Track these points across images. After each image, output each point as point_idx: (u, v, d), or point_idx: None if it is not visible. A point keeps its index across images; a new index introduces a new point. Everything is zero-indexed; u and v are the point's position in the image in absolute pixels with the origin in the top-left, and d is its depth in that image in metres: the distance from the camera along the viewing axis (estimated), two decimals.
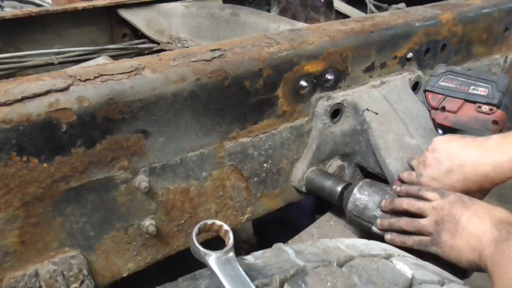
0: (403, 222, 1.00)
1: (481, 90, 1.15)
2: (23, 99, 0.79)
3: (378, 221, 1.06)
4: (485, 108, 1.12)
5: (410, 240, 0.99)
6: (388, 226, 1.03)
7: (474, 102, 1.15)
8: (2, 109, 0.76)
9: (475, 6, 1.59)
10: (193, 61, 0.99)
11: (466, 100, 1.16)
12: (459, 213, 0.91)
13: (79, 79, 0.86)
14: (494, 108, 1.12)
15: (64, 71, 0.90)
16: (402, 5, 2.39)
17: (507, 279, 0.74)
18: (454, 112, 1.17)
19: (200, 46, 1.12)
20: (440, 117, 1.19)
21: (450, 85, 1.20)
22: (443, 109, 1.19)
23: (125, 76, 0.90)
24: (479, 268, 0.86)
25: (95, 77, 0.87)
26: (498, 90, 1.12)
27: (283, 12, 2.05)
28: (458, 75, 1.20)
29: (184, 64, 0.98)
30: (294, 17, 1.99)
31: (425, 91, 1.24)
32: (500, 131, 1.10)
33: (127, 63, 0.95)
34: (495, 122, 1.11)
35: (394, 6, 2.43)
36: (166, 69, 0.95)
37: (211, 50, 1.05)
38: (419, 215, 0.99)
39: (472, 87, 1.16)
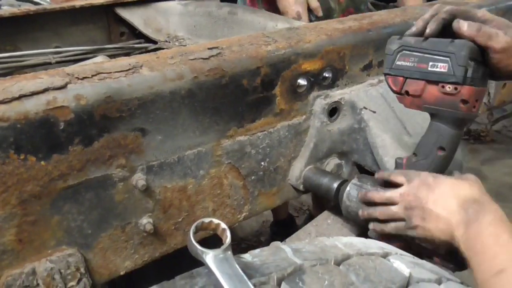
0: (378, 212, 1.02)
1: (441, 66, 0.99)
2: (20, 97, 0.78)
3: (359, 212, 1.06)
4: (449, 88, 0.98)
5: (388, 227, 1.01)
6: (367, 216, 1.05)
7: (436, 83, 1.00)
8: (0, 107, 0.76)
9: (472, 5, 1.59)
10: (191, 59, 0.99)
11: (428, 81, 1.01)
12: (425, 197, 0.92)
13: (76, 77, 0.86)
14: (459, 86, 0.97)
15: (62, 69, 0.90)
16: None
17: (489, 266, 0.76)
18: (419, 96, 1.04)
19: (198, 44, 1.12)
20: (407, 101, 1.08)
21: (408, 63, 1.04)
22: (407, 93, 1.06)
23: (122, 74, 0.90)
24: (454, 247, 0.87)
25: (92, 75, 0.87)
26: (458, 65, 0.97)
27: None
28: (413, 49, 1.04)
29: (181, 62, 0.98)
30: None
31: (384, 74, 1.11)
32: (473, 107, 0.99)
33: (124, 61, 0.95)
34: (464, 101, 0.98)
35: (391, 4, 2.43)
36: (163, 67, 0.95)
37: (209, 49, 1.05)
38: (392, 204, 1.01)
39: (430, 63, 1.01)
